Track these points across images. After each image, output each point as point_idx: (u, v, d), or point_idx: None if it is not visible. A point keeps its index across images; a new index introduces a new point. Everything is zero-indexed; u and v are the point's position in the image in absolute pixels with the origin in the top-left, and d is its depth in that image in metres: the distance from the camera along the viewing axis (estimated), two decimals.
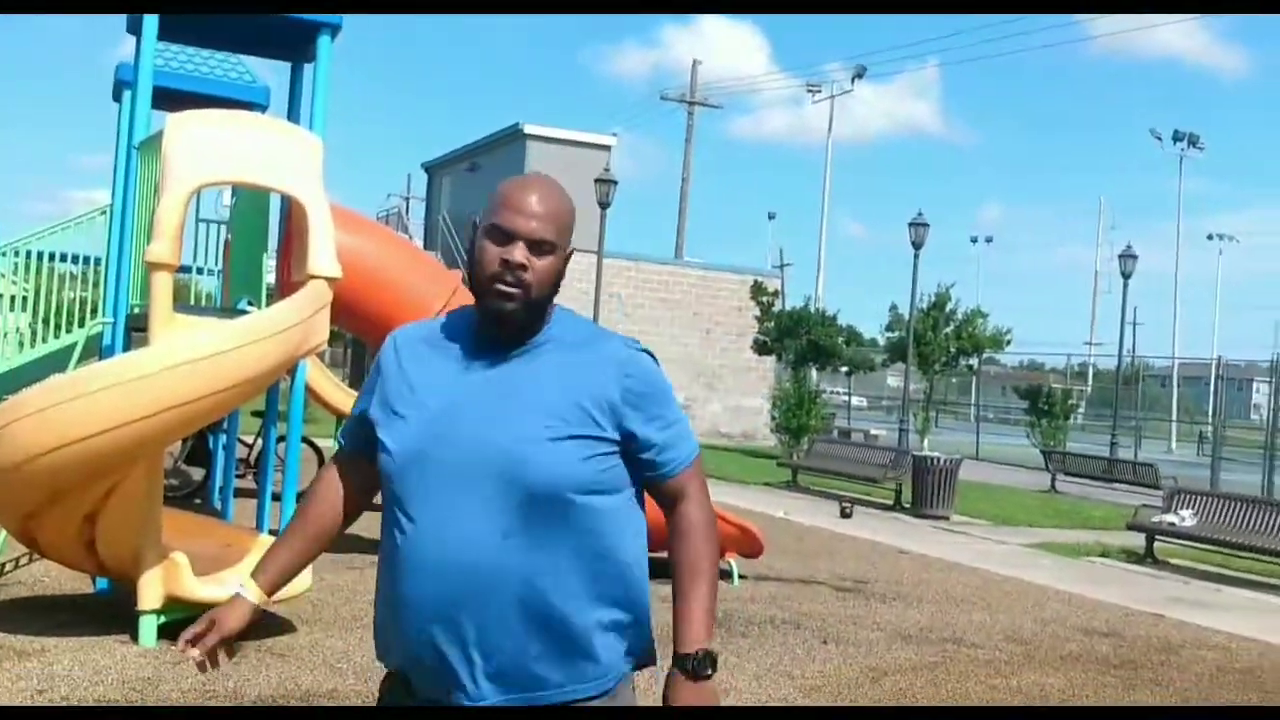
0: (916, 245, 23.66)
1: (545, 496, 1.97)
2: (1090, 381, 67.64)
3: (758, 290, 24.39)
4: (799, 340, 23.39)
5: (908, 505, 15.40)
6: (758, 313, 24.65)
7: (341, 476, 2.23)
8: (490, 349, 2.07)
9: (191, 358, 5.25)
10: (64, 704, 4.85)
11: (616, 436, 2.04)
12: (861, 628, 7.60)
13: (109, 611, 6.34)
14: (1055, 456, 22.39)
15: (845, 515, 13.86)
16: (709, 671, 2.03)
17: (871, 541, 12.03)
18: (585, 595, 2.01)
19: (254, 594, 2.16)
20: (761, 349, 24.44)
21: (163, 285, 5.62)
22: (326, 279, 5.84)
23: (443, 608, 1.96)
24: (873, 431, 31.52)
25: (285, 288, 7.15)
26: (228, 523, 7.09)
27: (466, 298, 8.31)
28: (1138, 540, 12.27)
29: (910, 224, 23.77)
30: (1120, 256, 26.96)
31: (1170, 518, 11.78)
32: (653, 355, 2.16)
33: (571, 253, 2.14)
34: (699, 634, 2.04)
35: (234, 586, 2.21)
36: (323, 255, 5.83)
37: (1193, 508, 11.82)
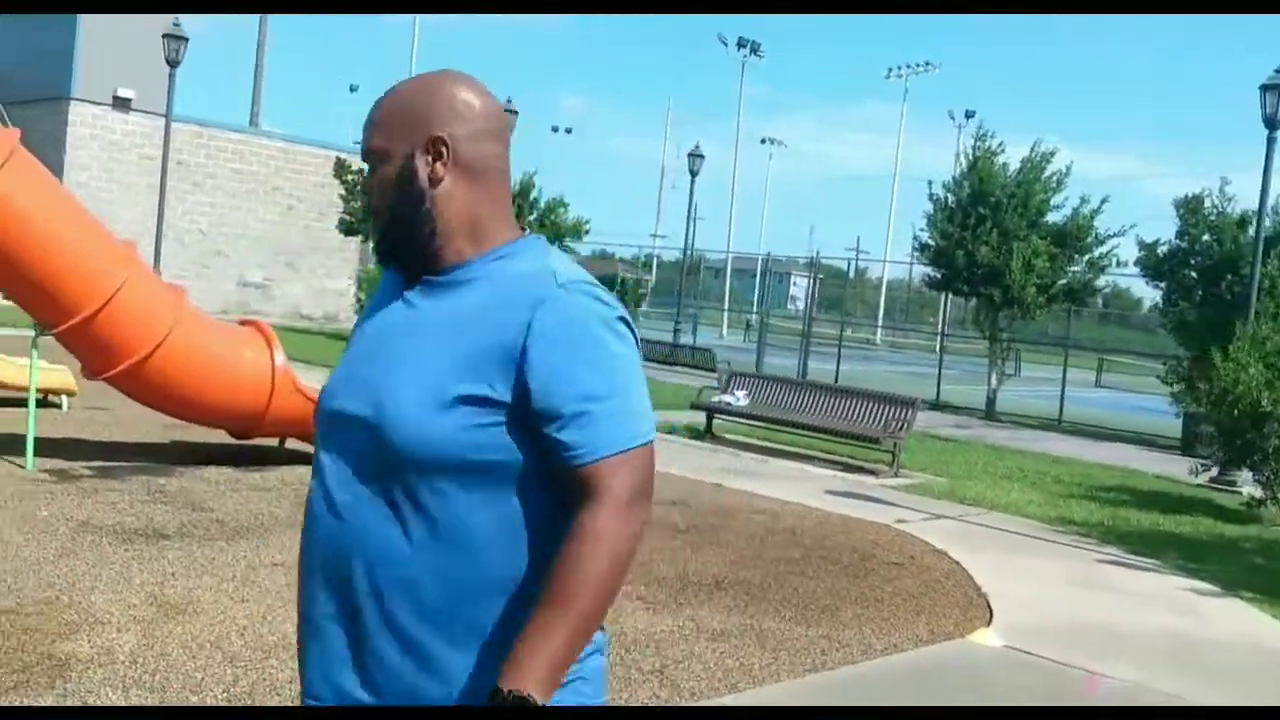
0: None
1: (405, 466, 1.61)
2: (654, 272, 72.00)
3: (341, 168, 23.58)
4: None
5: None
6: (342, 191, 23.87)
7: None
8: (412, 288, 1.70)
9: None
10: None
11: (508, 399, 1.59)
12: None
13: None
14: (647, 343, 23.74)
15: None
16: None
17: None
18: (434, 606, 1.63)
19: None
20: (348, 230, 23.76)
21: None
22: None
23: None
24: None
25: None
26: None
27: (26, 161, 7.40)
28: (699, 418, 13.42)
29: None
30: (689, 155, 28.68)
31: (726, 398, 12.95)
32: (606, 302, 1.65)
33: (434, 145, 1.66)
34: (521, 672, 1.52)
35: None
36: None
37: (746, 389, 13.06)
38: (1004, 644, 5.87)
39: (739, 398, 12.81)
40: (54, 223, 7.29)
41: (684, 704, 4.48)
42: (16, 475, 7.39)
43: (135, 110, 25.47)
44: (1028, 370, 28.88)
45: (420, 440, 1.59)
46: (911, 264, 32.39)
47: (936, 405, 21.65)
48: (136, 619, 4.85)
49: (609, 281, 31.54)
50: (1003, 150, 23.34)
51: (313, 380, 8.84)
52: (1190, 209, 20.28)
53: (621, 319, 1.65)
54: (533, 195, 33.31)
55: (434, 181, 1.67)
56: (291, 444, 9.04)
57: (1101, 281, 23.18)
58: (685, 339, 30.05)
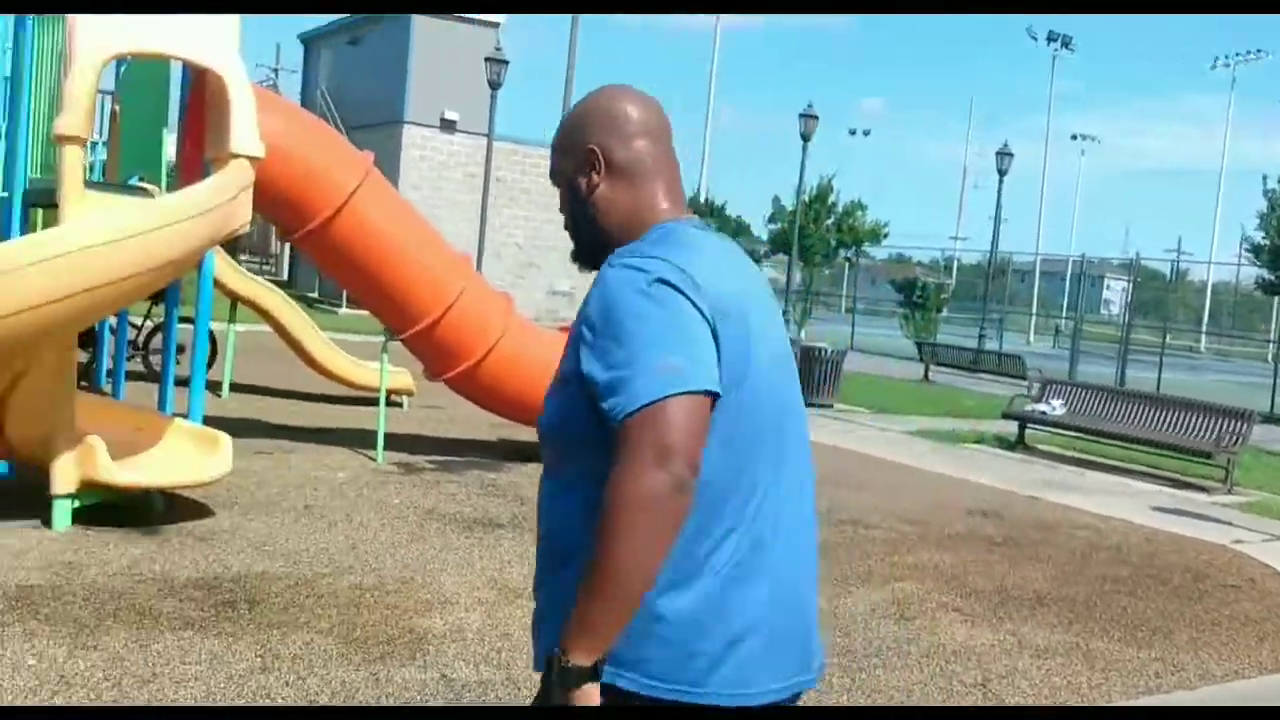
0: (805, 137, 23.90)
1: (541, 439, 1.84)
2: (954, 275, 69.76)
3: None
4: None
5: None
6: None
7: None
8: None
9: (114, 237, 5.10)
10: None
11: (579, 375, 1.69)
12: None
13: (14, 496, 6.22)
14: (928, 348, 23.18)
15: None
16: (552, 677, 1.63)
17: None
18: (541, 564, 1.83)
19: None
20: None
21: (74, 160, 5.41)
22: (249, 158, 5.70)
23: None
24: None
25: (189, 165, 6.94)
26: (137, 406, 6.96)
27: (379, 182, 8.13)
28: (1010, 428, 12.95)
29: (800, 115, 23.95)
30: (998, 154, 27.66)
31: (1041, 407, 12.43)
32: (642, 269, 1.68)
33: (588, 158, 1.82)
34: (561, 633, 1.64)
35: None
36: (245, 133, 5.69)
37: (1062, 398, 12.49)
38: None
39: (1055, 407, 12.27)
40: (403, 237, 7.97)
41: None
42: (369, 467, 8.13)
43: (460, 131, 27.30)
44: None
45: (544, 414, 1.79)
46: (1239, 265, 29.87)
47: (1271, 418, 19.87)
48: (480, 600, 5.25)
49: (909, 286, 30.90)
50: None
51: None
52: None
53: (660, 280, 1.65)
54: (830, 200, 33.17)
55: (591, 190, 1.83)
56: None
57: None
58: (990, 345, 29.03)
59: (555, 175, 1.89)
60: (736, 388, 1.69)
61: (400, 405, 11.39)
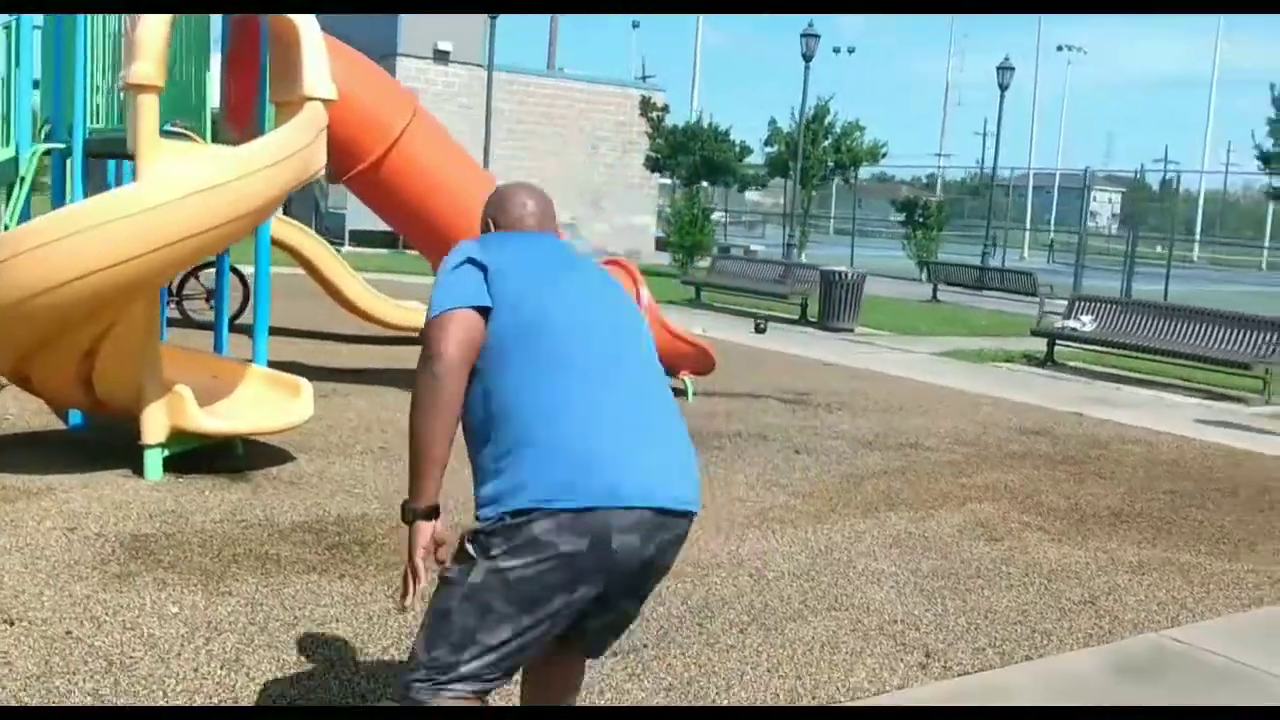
0: (807, 57, 23.67)
1: None
2: (940, 193, 69.56)
3: (646, 105, 24.11)
4: (692, 157, 23.36)
5: (813, 319, 15.90)
6: (647, 129, 24.43)
7: None
8: None
9: (197, 188, 5.05)
10: (98, 538, 4.82)
11: None
12: (822, 437, 7.99)
13: (95, 447, 6.24)
14: (936, 267, 23.20)
15: (760, 330, 14.26)
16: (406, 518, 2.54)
17: (793, 355, 12.46)
18: None
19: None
20: (653, 166, 24.35)
21: (149, 110, 5.32)
22: (323, 101, 5.63)
23: None
24: (752, 247, 32.03)
25: (238, 111, 6.84)
26: (209, 354, 6.94)
27: (427, 119, 8.01)
28: (1037, 345, 13.04)
29: (802, 35, 23.69)
30: (998, 68, 27.45)
31: (1072, 323, 12.50)
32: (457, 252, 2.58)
33: (481, 226, 2.83)
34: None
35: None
36: (318, 76, 5.61)
37: (1092, 313, 12.55)
38: None
39: (1085, 323, 12.34)
40: (453, 174, 7.91)
41: (1128, 636, 4.48)
42: None
43: (454, 62, 26.93)
44: None
45: None
46: (1227, 173, 29.81)
47: None
48: None
49: (910, 205, 30.76)
50: None
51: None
52: None
53: (465, 259, 2.52)
54: (828, 120, 32.88)
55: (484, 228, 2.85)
56: None
57: None
58: (992, 262, 29.06)
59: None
60: (512, 310, 2.46)
61: None
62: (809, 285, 16.27)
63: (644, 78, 50.90)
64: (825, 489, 6.50)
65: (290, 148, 5.37)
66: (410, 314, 11.33)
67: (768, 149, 29.67)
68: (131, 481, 5.68)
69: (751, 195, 53.20)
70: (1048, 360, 12.63)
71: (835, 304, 15.32)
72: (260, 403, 6.21)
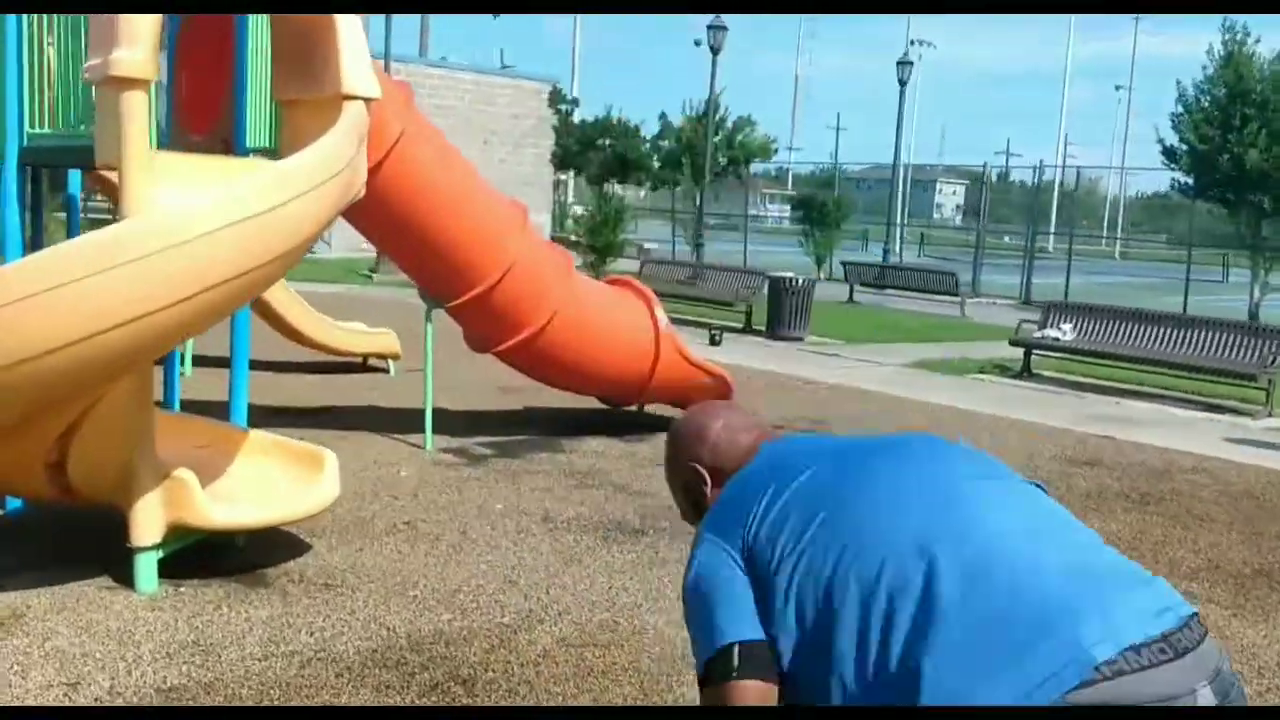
0: (715, 49, 22.83)
1: None
2: (790, 187, 70.13)
3: (556, 98, 22.95)
4: (602, 153, 22.29)
5: (760, 328, 15.07)
6: (554, 122, 23.27)
7: None
8: None
9: (227, 220, 3.82)
10: (114, 698, 3.57)
11: None
12: None
13: (52, 541, 4.91)
14: (851, 267, 22.68)
15: (714, 342, 13.35)
16: None
17: (766, 371, 11.58)
18: None
19: None
20: (560, 162, 23.21)
21: (137, 110, 4.05)
22: (366, 100, 4.43)
23: None
24: (646, 245, 31.16)
25: (199, 108, 5.54)
26: (191, 417, 5.61)
27: (424, 122, 6.60)
28: (1002, 354, 12.53)
29: (709, 26, 22.85)
30: (898, 63, 27.17)
31: (1052, 333, 11.96)
32: None
33: (689, 476, 2.15)
34: None
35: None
36: (359, 70, 4.41)
37: (1070, 321, 12.04)
38: None
39: (1065, 332, 11.81)
40: (456, 187, 6.74)
41: None
42: (424, 458, 6.97)
43: None
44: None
45: None
46: (1061, 168, 30.41)
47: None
48: None
49: (808, 203, 30.34)
50: (1258, 41, 21.38)
51: None
52: None
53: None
54: (720, 115, 32.22)
55: None
56: (650, 407, 8.50)
57: None
58: (891, 259, 28.88)
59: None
60: None
61: (387, 371, 10.11)
62: (753, 292, 15.45)
63: (504, 68, 49.49)
64: None
65: (340, 160, 4.17)
66: (356, 338, 10.04)
67: (662, 144, 28.83)
68: (120, 596, 4.40)
69: (658, 199, 52.31)
70: (1024, 371, 12.06)
71: (785, 312, 14.53)
72: (271, 481, 4.97)
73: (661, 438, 7.81)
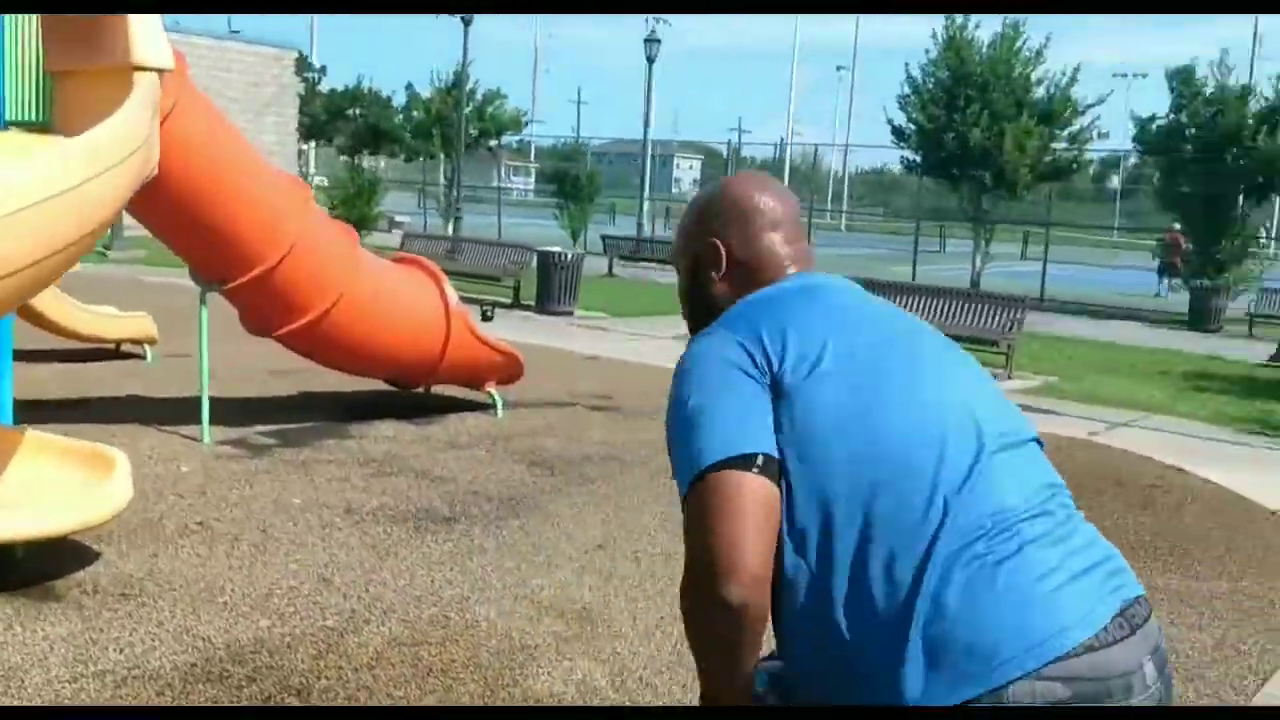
0: (466, 21, 22.43)
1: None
2: (533, 159, 70.39)
3: (303, 65, 21.96)
4: (353, 123, 21.53)
5: (528, 303, 15.01)
6: (300, 90, 22.29)
7: None
8: None
9: (39, 197, 3.42)
10: None
11: None
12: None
13: None
14: (611, 241, 22.90)
15: (487, 318, 13.20)
16: None
17: (544, 346, 11.54)
18: None
19: None
20: (307, 132, 22.26)
21: None
22: (158, 71, 4.08)
23: None
24: (398, 218, 30.43)
25: None
26: None
27: (196, 93, 6.25)
28: None
29: None
30: (645, 40, 27.56)
31: None
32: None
33: (702, 250, 1.87)
34: None
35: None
36: (150, 38, 4.05)
37: None
38: None
39: None
40: (231, 162, 6.34)
41: None
42: (204, 451, 6.55)
43: None
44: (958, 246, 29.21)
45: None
46: (787, 145, 32.10)
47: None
48: (552, 634, 4.24)
49: (561, 177, 30.36)
50: (977, 26, 22.94)
51: None
52: (1184, 81, 20.22)
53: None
54: (469, 87, 31.82)
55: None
56: (438, 389, 8.32)
57: (1092, 157, 23.26)
58: (618, 230, 29.39)
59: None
60: None
61: (144, 358, 9.44)
62: (521, 267, 15.37)
63: (232, 33, 47.04)
64: None
65: (137, 136, 3.83)
66: (108, 322, 9.31)
67: (414, 115, 28.14)
68: None
69: (411, 171, 50.84)
70: None
71: (554, 286, 14.54)
72: (50, 485, 4.54)
73: (454, 419, 7.69)
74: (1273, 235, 24.51)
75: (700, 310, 1.87)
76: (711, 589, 1.52)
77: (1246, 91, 18.85)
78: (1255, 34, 45.88)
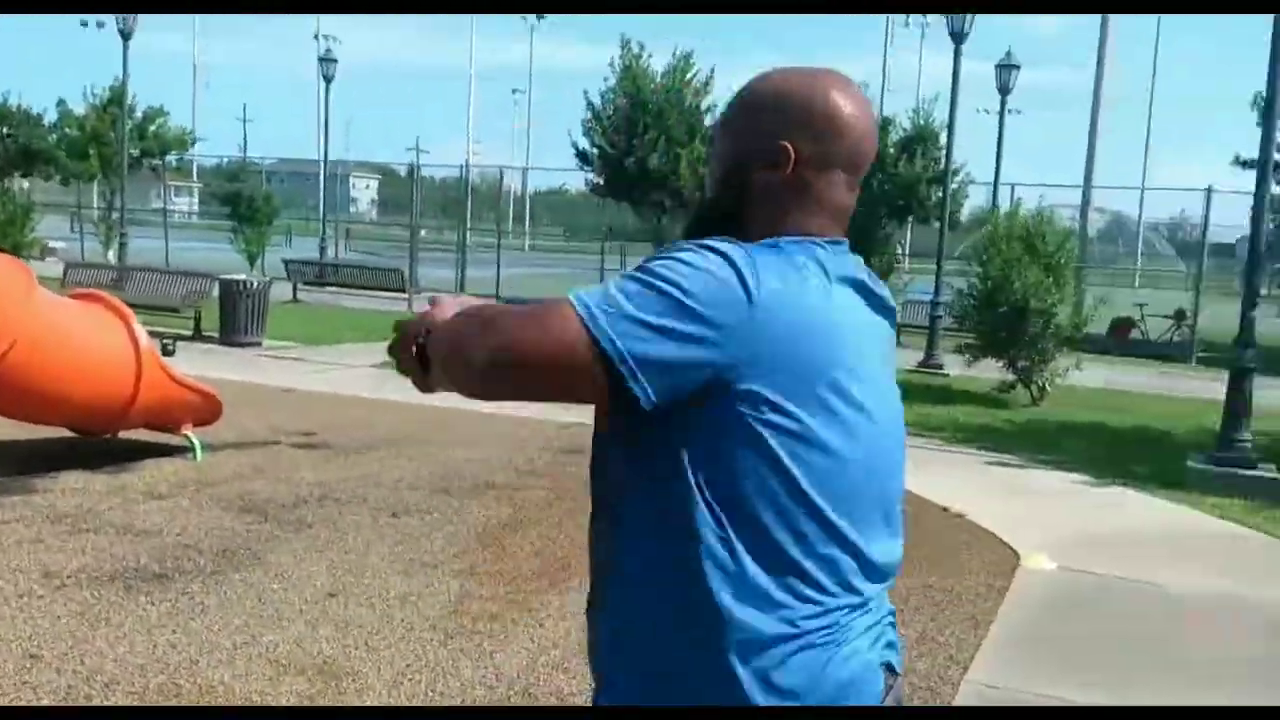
0: (126, 35, 20.97)
1: None
2: (195, 179, 66.89)
3: None
4: (2, 143, 19.60)
5: (212, 334, 14.23)
6: None
7: None
8: None
9: None
10: None
11: None
12: (391, 489, 7.10)
13: None
14: (294, 266, 22.06)
15: (168, 353, 12.37)
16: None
17: (231, 380, 10.99)
18: None
19: None
20: None
21: None
22: None
23: None
24: (51, 244, 28.00)
25: None
26: None
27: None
28: None
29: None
30: (320, 59, 26.76)
31: None
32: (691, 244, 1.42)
33: (762, 151, 1.51)
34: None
35: None
36: None
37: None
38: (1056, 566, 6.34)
39: None
40: None
41: None
42: None
43: None
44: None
45: None
46: (469, 168, 32.53)
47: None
48: (304, 695, 4.08)
49: (235, 198, 29.03)
50: (650, 55, 23.90)
51: None
52: None
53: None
54: (129, 104, 29.92)
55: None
56: (126, 433, 7.76)
57: None
58: (333, 256, 28.52)
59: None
60: None
61: None
62: (200, 296, 14.56)
63: None
64: (479, 552, 5.76)
65: None
66: None
67: (67, 133, 26.02)
68: None
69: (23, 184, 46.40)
70: None
71: (240, 316, 13.86)
72: None
73: (149, 465, 7.25)
74: (906, 252, 27.05)
75: (711, 227, 1.49)
76: (472, 351, 1.35)
77: (887, 123, 20.63)
78: (884, 69, 50.57)
